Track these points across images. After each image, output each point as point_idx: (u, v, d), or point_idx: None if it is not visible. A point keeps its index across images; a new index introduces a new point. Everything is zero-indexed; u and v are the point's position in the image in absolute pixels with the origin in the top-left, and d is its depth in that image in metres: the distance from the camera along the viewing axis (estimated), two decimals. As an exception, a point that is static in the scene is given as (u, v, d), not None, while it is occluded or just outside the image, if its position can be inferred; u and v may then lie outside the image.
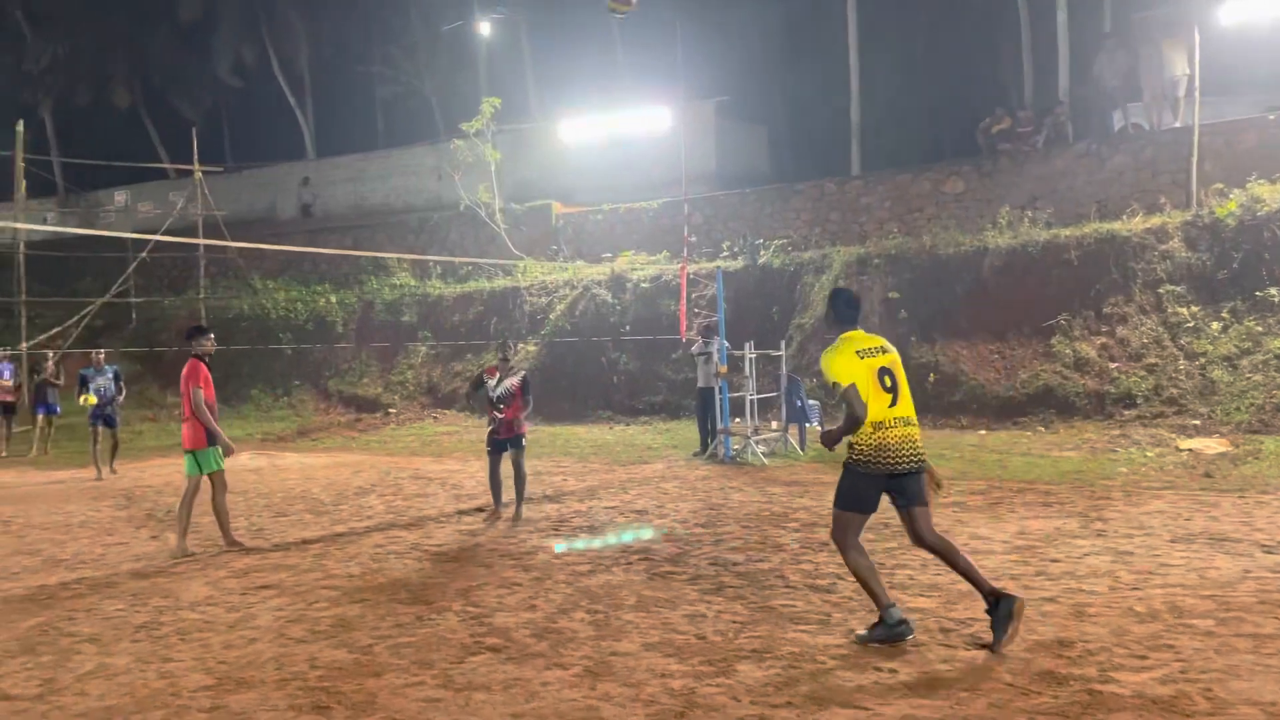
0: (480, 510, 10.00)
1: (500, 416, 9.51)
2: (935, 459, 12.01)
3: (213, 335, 8.86)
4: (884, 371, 5.22)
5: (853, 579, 6.54)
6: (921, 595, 6.18)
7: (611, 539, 8.17)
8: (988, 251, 16.40)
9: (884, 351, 5.31)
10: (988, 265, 16.29)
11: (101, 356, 14.68)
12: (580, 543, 8.15)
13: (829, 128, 24.75)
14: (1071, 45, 19.68)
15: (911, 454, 5.20)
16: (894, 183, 19.57)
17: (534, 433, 17.31)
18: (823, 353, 5.41)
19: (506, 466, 9.61)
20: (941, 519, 8.57)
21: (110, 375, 14.29)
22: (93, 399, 14.10)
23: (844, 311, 5.50)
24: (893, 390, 5.20)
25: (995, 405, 14.86)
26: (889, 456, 5.18)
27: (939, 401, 15.30)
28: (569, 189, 24.02)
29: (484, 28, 28.02)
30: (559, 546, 7.99)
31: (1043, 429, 14.03)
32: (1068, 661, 4.89)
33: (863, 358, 5.22)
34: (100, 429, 14.20)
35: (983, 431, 14.30)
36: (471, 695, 4.70)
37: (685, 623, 5.77)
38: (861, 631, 5.34)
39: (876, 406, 5.15)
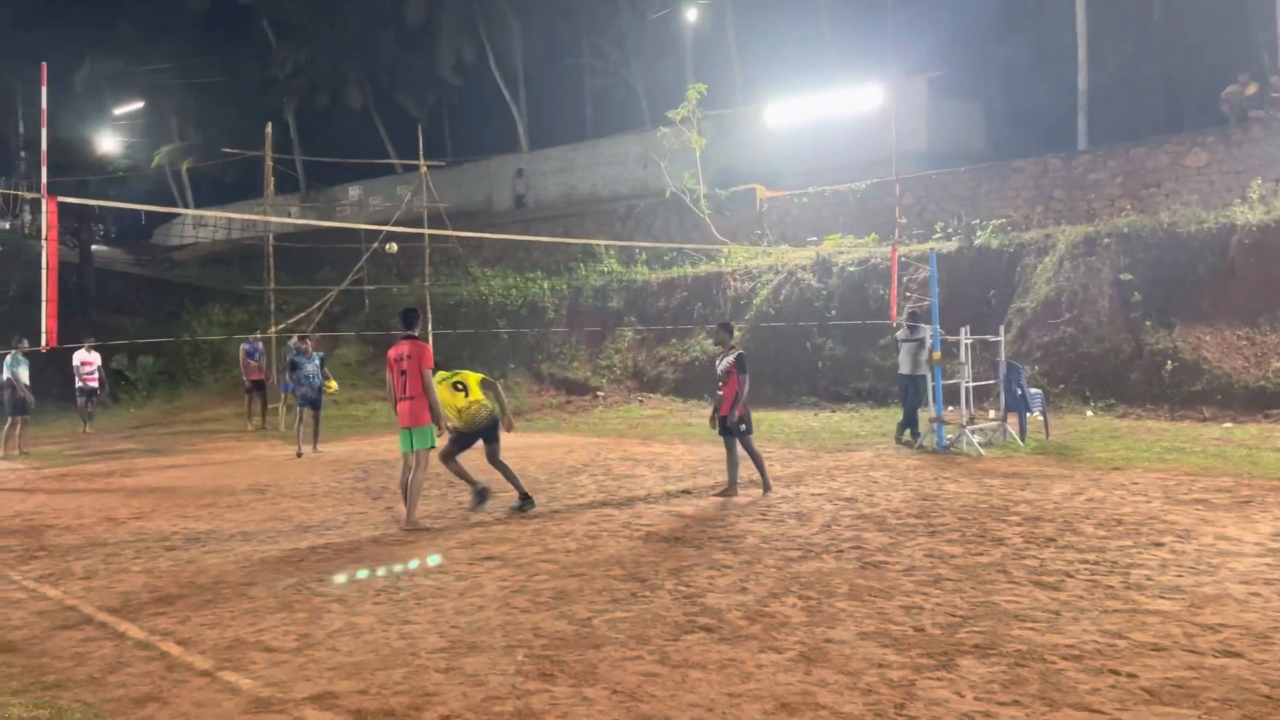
0: (687, 492, 10.16)
1: (720, 394, 9.94)
2: (1173, 452, 11.29)
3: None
4: (457, 383, 9.24)
5: (1080, 573, 6.23)
6: (1161, 598, 5.77)
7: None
8: (1236, 228, 15.03)
9: (454, 374, 9.40)
10: (1236, 243, 14.94)
11: (309, 344, 15.56)
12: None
13: (1052, 100, 23.39)
14: (1337, -2, 17.69)
15: (485, 418, 9.27)
16: (1126, 156, 18.25)
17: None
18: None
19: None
20: (1183, 517, 7.99)
21: (317, 362, 15.11)
22: (334, 385, 15.49)
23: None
24: (464, 391, 9.22)
25: (1243, 396, 13.63)
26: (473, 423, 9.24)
27: (1177, 391, 14.19)
28: (773, 173, 23.85)
29: (690, 14, 28.19)
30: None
31: (1300, 423, 12.75)
32: (1337, 678, 4.44)
33: (440, 381, 9.11)
34: (305, 410, 15.01)
35: (1228, 424, 13.15)
36: (688, 673, 4.79)
37: (901, 614, 5.64)
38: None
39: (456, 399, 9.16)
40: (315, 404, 15.16)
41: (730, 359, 9.97)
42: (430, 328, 22.61)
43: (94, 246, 33.47)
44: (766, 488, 9.93)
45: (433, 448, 8.86)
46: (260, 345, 19.72)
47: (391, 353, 8.98)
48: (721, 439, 10.19)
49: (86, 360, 18.84)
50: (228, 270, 32.76)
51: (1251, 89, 17.40)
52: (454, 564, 7.30)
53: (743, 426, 9.90)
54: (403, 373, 8.75)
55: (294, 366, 15.13)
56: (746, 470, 10.19)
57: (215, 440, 17.85)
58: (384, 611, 6.05)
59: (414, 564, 7.36)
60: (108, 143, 37.62)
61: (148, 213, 39.09)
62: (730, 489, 9.91)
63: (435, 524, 8.88)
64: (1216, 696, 4.27)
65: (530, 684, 4.70)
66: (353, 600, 6.34)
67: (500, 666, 4.95)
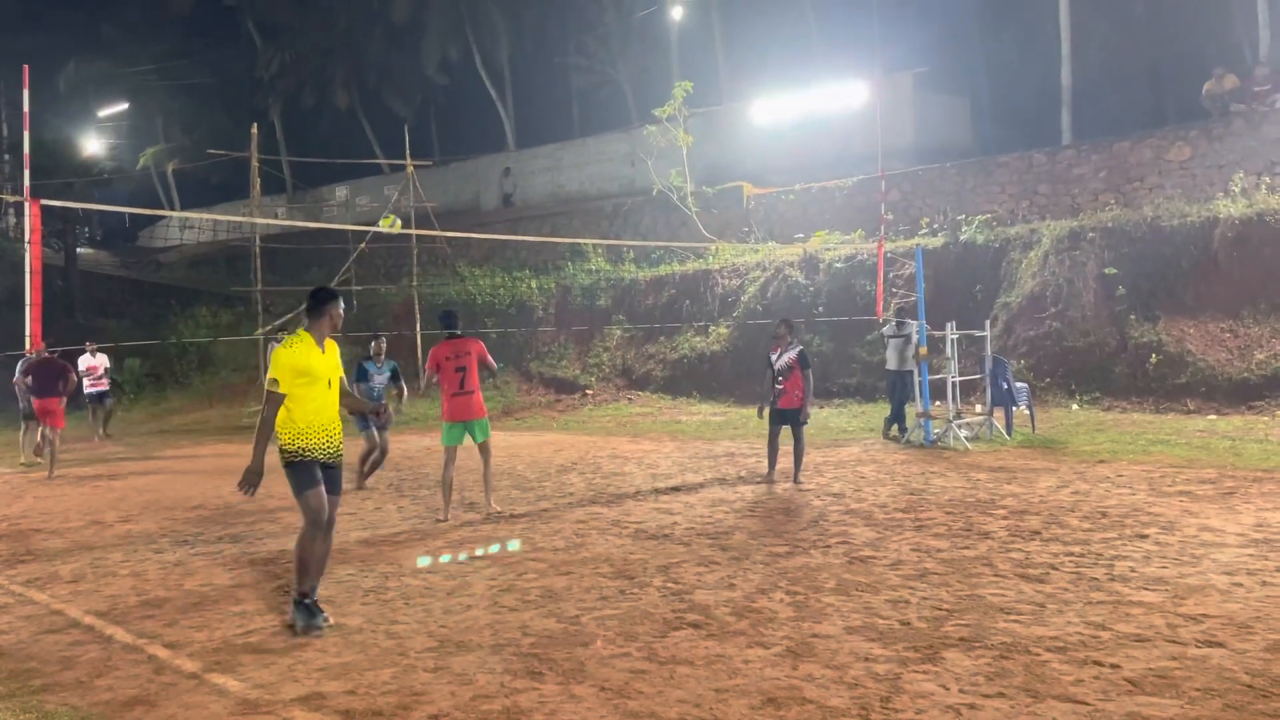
0: (676, 489, 10.19)
1: (780, 388, 10.34)
2: (1157, 445, 11.36)
3: None
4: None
5: (1065, 566, 6.28)
6: (1145, 589, 5.82)
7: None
8: (1218, 222, 15.13)
9: None
10: (1219, 237, 15.03)
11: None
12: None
13: (1036, 95, 23.48)
14: (1318, -8, 17.81)
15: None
16: (1110, 151, 18.35)
17: (727, 414, 17.41)
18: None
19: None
20: (1167, 509, 8.05)
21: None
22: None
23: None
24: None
25: (1227, 388, 13.72)
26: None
27: (1161, 384, 14.28)
28: (760, 170, 23.89)
29: (676, 12, 28.21)
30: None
31: (1283, 414, 12.85)
32: (1317, 666, 4.49)
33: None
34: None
35: (1212, 416, 13.25)
36: (675, 669, 4.81)
37: (888, 608, 5.67)
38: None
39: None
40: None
41: (792, 354, 10.42)
42: (418, 328, 22.61)
43: (79, 249, 33.35)
44: (797, 480, 10.30)
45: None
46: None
47: (442, 351, 9.12)
48: (769, 428, 10.61)
49: (92, 365, 18.60)
50: (214, 272, 32.68)
51: (1229, 82, 17.51)
52: (443, 563, 7.30)
53: (801, 418, 10.38)
54: (460, 369, 8.97)
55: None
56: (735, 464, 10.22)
57: (204, 442, 17.79)
58: (372, 612, 6.05)
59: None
60: (92, 145, 37.46)
61: (133, 215, 38.93)
62: (771, 474, 10.52)
63: (424, 520, 8.88)
64: (1199, 686, 4.31)
65: (518, 682, 4.72)
66: (341, 601, 6.34)
67: (489, 665, 4.96)
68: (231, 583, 7.01)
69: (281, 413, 5.70)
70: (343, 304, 6.01)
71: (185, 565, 7.65)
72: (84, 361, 18.44)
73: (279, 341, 5.73)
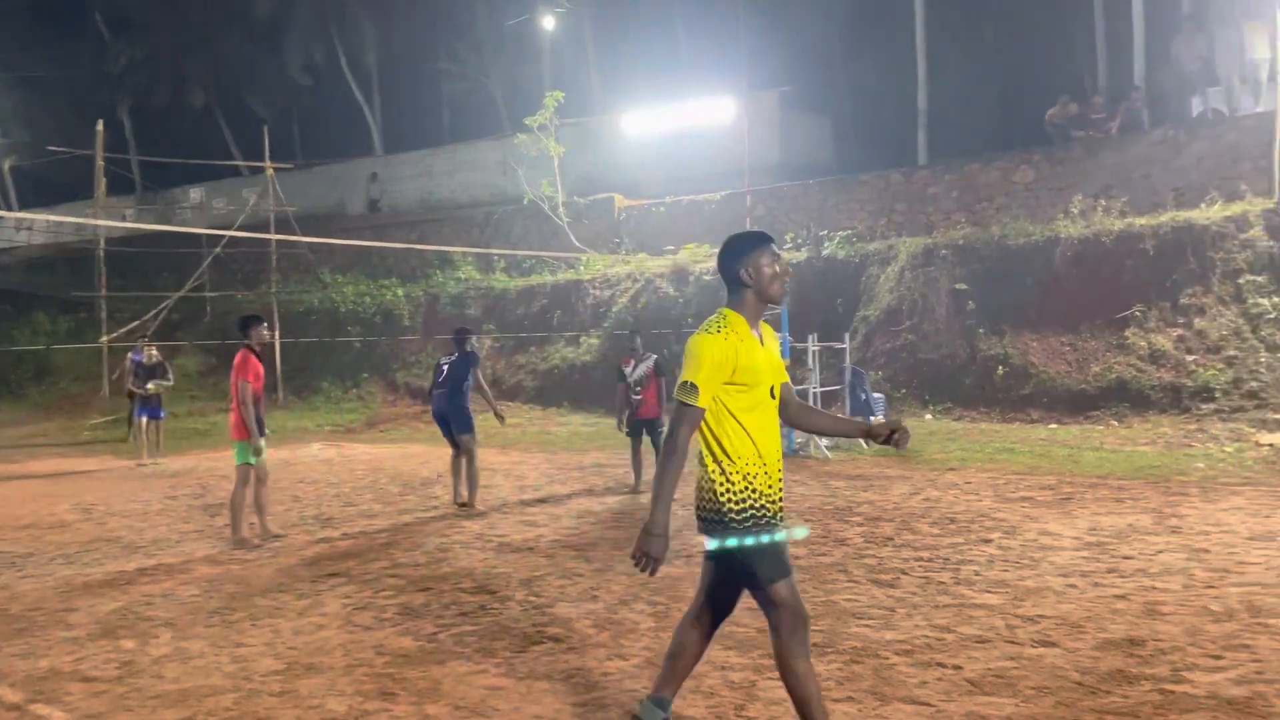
0: (544, 501, 10.12)
1: (638, 399, 10.43)
2: (1003, 453, 11.90)
3: (266, 324, 8.96)
4: None
5: (915, 570, 6.50)
6: (988, 592, 6.07)
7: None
8: (1059, 242, 16.01)
9: None
10: (1059, 256, 15.91)
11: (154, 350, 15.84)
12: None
13: (895, 117, 24.36)
14: (1148, 29, 19.06)
15: None
16: (962, 172, 19.22)
17: (597, 425, 17.43)
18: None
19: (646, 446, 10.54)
20: (1010, 514, 8.44)
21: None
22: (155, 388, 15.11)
23: None
24: None
25: (1066, 399, 14.52)
26: None
27: (1007, 395, 15.01)
28: (631, 182, 24.05)
29: (548, 22, 28.17)
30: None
31: (1116, 423, 13.67)
32: (1139, 660, 4.77)
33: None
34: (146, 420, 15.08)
35: (1053, 426, 14.00)
36: (533, 684, 4.75)
37: (746, 616, 5.70)
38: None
39: None
40: (156, 413, 15.44)
41: (649, 364, 10.53)
42: (278, 335, 21.80)
43: (-99, 249, 30.91)
44: (630, 486, 10.50)
45: (248, 464, 8.47)
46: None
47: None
48: (629, 439, 10.69)
49: None
50: (53, 276, 30.73)
51: (1072, 109, 18.61)
52: (295, 582, 7.03)
53: (661, 428, 10.33)
54: (233, 383, 8.62)
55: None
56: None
57: (39, 456, 16.69)
58: (216, 634, 5.77)
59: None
60: (-83, 138, 34.80)
61: (-36, 214, 36.27)
62: (637, 484, 10.49)
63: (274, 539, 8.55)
64: (1033, 685, 4.52)
65: (369, 704, 4.57)
66: (182, 624, 6.02)
67: (339, 688, 4.79)
68: (63, 606, 6.57)
69: (698, 444, 3.58)
70: (777, 251, 3.79)
71: (12, 588, 7.14)
72: None
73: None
